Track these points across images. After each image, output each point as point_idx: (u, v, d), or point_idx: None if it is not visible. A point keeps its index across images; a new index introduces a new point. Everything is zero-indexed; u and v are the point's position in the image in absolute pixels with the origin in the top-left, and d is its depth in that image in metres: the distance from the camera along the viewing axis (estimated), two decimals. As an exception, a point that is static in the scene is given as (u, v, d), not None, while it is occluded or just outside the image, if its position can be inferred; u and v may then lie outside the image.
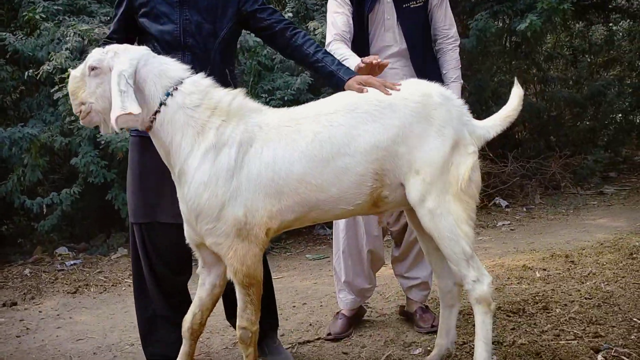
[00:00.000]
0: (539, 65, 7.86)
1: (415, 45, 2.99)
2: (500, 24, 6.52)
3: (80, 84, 2.28)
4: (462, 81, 3.07)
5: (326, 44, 2.87)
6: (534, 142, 7.64)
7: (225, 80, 2.63)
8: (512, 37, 7.11)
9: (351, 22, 2.92)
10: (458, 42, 3.10)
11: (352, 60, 2.63)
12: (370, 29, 2.98)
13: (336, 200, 2.20)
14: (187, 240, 2.29)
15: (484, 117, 5.94)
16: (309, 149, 2.16)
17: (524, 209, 6.17)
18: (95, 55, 2.25)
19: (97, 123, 2.30)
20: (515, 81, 2.51)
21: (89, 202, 5.19)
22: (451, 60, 3.06)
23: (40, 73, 4.65)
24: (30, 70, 4.73)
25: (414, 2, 2.97)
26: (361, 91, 2.30)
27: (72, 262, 4.74)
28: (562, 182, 6.81)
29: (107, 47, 2.28)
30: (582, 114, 8.15)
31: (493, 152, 6.62)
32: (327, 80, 2.55)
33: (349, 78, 2.39)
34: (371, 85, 2.31)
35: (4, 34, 4.78)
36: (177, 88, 2.23)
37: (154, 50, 2.47)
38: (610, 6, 8.03)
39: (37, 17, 4.74)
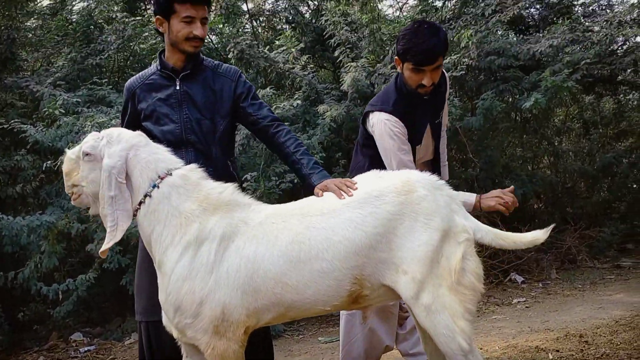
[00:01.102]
0: (550, 138, 7.93)
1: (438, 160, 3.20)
2: (507, 103, 6.63)
3: (74, 166, 2.35)
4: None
5: None
6: (548, 215, 7.61)
7: (227, 171, 2.78)
8: (520, 113, 7.23)
9: None
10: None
11: (465, 197, 2.71)
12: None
13: (312, 302, 2.18)
14: (167, 329, 2.30)
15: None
16: (288, 249, 2.16)
17: (540, 285, 6.11)
18: (90, 141, 2.32)
19: (87, 205, 2.38)
20: (544, 231, 2.42)
21: (104, 287, 5.26)
22: (444, 146, 3.17)
23: (59, 162, 4.81)
24: (50, 161, 4.90)
25: (441, 113, 3.11)
26: (319, 196, 2.37)
27: (86, 349, 4.77)
28: (579, 255, 6.75)
29: (102, 133, 2.36)
30: (595, 186, 8.15)
31: (507, 226, 6.61)
32: (302, 181, 2.65)
33: (319, 183, 2.47)
34: (329, 190, 2.37)
35: (26, 126, 4.97)
36: (163, 180, 2.26)
37: None
38: (617, 79, 8.15)
39: (57, 112, 4.94)
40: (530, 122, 7.51)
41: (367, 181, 2.36)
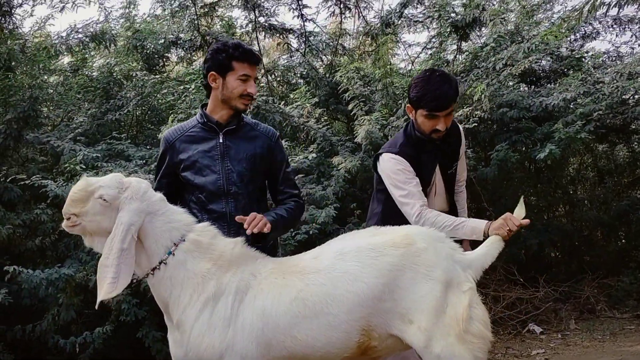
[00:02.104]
0: (564, 187, 7.93)
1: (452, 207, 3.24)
2: (520, 153, 6.68)
3: (84, 198, 2.31)
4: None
5: (415, 214, 2.91)
6: (565, 264, 7.56)
7: None
8: (534, 163, 7.26)
9: None
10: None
11: (475, 223, 2.81)
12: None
13: (324, 354, 2.21)
14: None
15: (511, 242, 5.97)
16: (293, 305, 2.21)
17: (559, 336, 6.03)
18: (112, 188, 2.31)
19: (79, 233, 2.38)
20: (521, 201, 2.60)
21: (120, 339, 5.26)
22: (463, 201, 3.22)
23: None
24: (69, 214, 4.97)
25: (455, 164, 3.19)
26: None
27: (102, 402, 4.75)
28: (597, 305, 6.67)
29: (128, 182, 2.36)
30: (612, 234, 8.09)
31: (524, 276, 6.58)
32: None
33: None
34: None
35: (47, 181, 5.08)
36: (177, 246, 2.30)
37: (197, 200, 2.76)
38: (630, 128, 8.18)
39: (77, 167, 5.05)
40: (544, 172, 7.53)
41: (364, 236, 2.43)
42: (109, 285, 2.21)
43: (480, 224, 2.77)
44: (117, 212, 2.29)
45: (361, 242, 2.34)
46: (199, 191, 2.83)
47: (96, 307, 2.32)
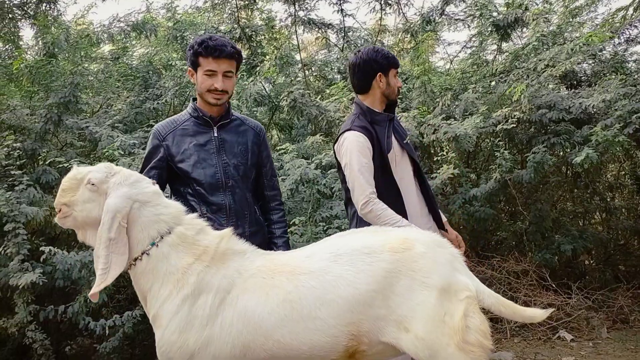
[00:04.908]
0: (602, 194, 7.77)
1: (420, 174, 3.44)
2: (558, 157, 6.56)
3: (74, 187, 2.28)
4: None
5: (362, 203, 2.99)
6: (599, 272, 7.41)
7: (256, 217, 3.03)
8: (571, 167, 7.13)
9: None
10: None
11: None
12: (394, 167, 3.24)
13: (308, 357, 2.13)
14: None
15: (545, 246, 5.86)
16: (280, 307, 2.13)
17: (591, 344, 5.91)
18: (101, 172, 2.26)
19: (70, 227, 2.33)
20: (543, 312, 2.36)
21: (149, 324, 5.30)
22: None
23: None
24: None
25: (407, 139, 3.44)
26: None
27: (128, 385, 4.81)
28: (631, 315, 6.52)
29: (116, 169, 2.31)
30: (649, 245, 7.91)
31: (556, 282, 6.47)
32: None
33: None
34: None
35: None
36: (163, 238, 2.23)
37: (195, 193, 2.81)
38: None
39: (116, 153, 5.11)
40: (582, 177, 7.39)
41: (362, 235, 2.34)
42: (99, 277, 2.16)
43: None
44: (105, 199, 2.23)
45: (358, 243, 2.25)
46: (197, 184, 2.87)
47: (90, 299, 2.27)
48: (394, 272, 2.14)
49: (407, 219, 3.07)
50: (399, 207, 3.12)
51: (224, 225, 2.81)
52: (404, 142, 3.36)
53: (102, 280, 2.15)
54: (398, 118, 3.53)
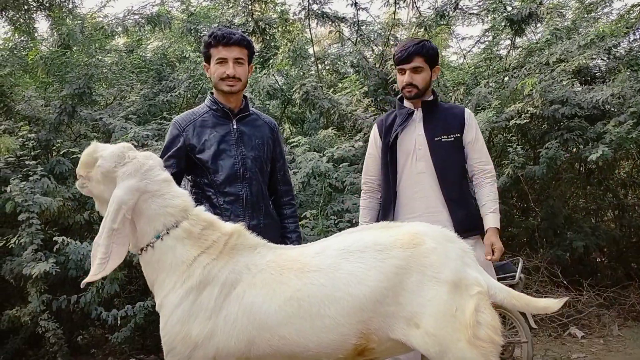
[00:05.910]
0: (615, 191, 7.72)
1: (446, 176, 3.21)
2: (571, 153, 6.52)
3: (90, 162, 2.29)
4: (499, 215, 3.20)
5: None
6: (611, 269, 7.37)
7: (269, 210, 3.06)
8: (584, 164, 7.09)
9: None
10: (494, 178, 3.27)
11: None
12: (399, 157, 3.25)
13: (315, 354, 2.11)
14: None
15: (557, 243, 5.80)
16: (287, 304, 2.11)
17: (602, 341, 5.89)
18: (109, 162, 2.23)
19: (90, 195, 2.37)
20: (558, 301, 2.29)
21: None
22: (489, 194, 3.22)
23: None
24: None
25: (445, 137, 3.24)
26: None
27: (139, 375, 4.86)
28: (643, 313, 6.49)
29: (130, 156, 2.28)
30: (662, 242, 7.85)
31: (567, 279, 6.45)
32: None
33: None
34: None
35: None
36: (169, 232, 2.22)
37: (212, 183, 2.84)
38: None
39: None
40: (595, 174, 7.34)
41: (373, 231, 2.31)
42: (97, 265, 2.15)
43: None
44: (114, 186, 2.22)
45: (369, 239, 2.22)
46: (215, 174, 2.91)
47: (81, 286, 2.28)
48: (405, 268, 2.12)
49: (393, 214, 3.22)
50: (388, 201, 3.26)
51: (240, 217, 2.86)
52: (436, 139, 3.24)
53: (101, 269, 2.15)
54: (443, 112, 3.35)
